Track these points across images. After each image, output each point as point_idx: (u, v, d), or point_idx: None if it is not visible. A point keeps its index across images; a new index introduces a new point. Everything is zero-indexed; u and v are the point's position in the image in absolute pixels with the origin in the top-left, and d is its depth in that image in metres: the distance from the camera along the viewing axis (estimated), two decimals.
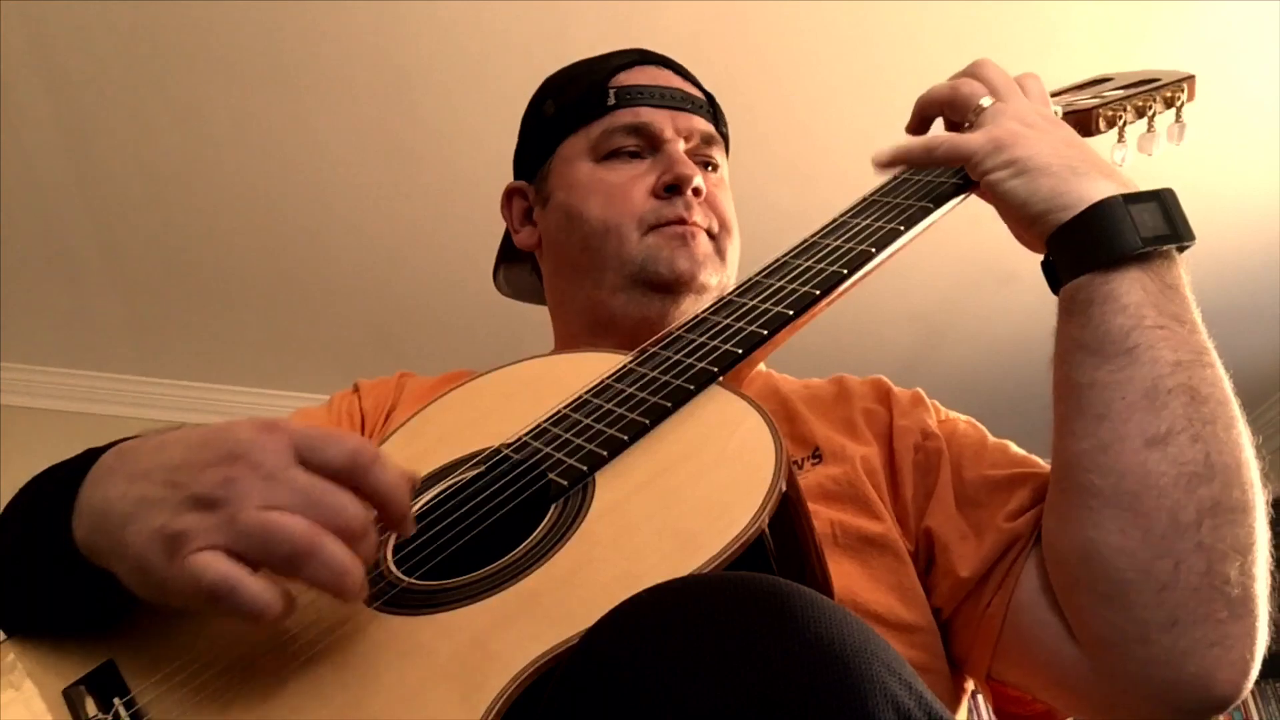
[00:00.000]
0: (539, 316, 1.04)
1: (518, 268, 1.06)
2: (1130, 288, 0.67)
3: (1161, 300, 0.67)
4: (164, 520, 0.52)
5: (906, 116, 0.86)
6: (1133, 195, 0.69)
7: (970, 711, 0.84)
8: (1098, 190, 0.69)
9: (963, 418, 0.88)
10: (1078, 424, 0.68)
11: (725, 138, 1.00)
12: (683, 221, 0.89)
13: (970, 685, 0.81)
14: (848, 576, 0.73)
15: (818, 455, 0.82)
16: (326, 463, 0.53)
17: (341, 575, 0.51)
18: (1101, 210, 0.68)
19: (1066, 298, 0.70)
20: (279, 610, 0.51)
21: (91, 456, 0.61)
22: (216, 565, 0.50)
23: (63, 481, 0.60)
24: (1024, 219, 0.72)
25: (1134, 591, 0.64)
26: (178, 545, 0.51)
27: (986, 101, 0.78)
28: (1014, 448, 0.83)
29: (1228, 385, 0.68)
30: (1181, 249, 0.70)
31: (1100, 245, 0.68)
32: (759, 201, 2.29)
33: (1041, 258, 0.74)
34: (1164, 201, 0.69)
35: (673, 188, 0.90)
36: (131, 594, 0.55)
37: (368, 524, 0.53)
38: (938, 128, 0.85)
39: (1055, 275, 0.72)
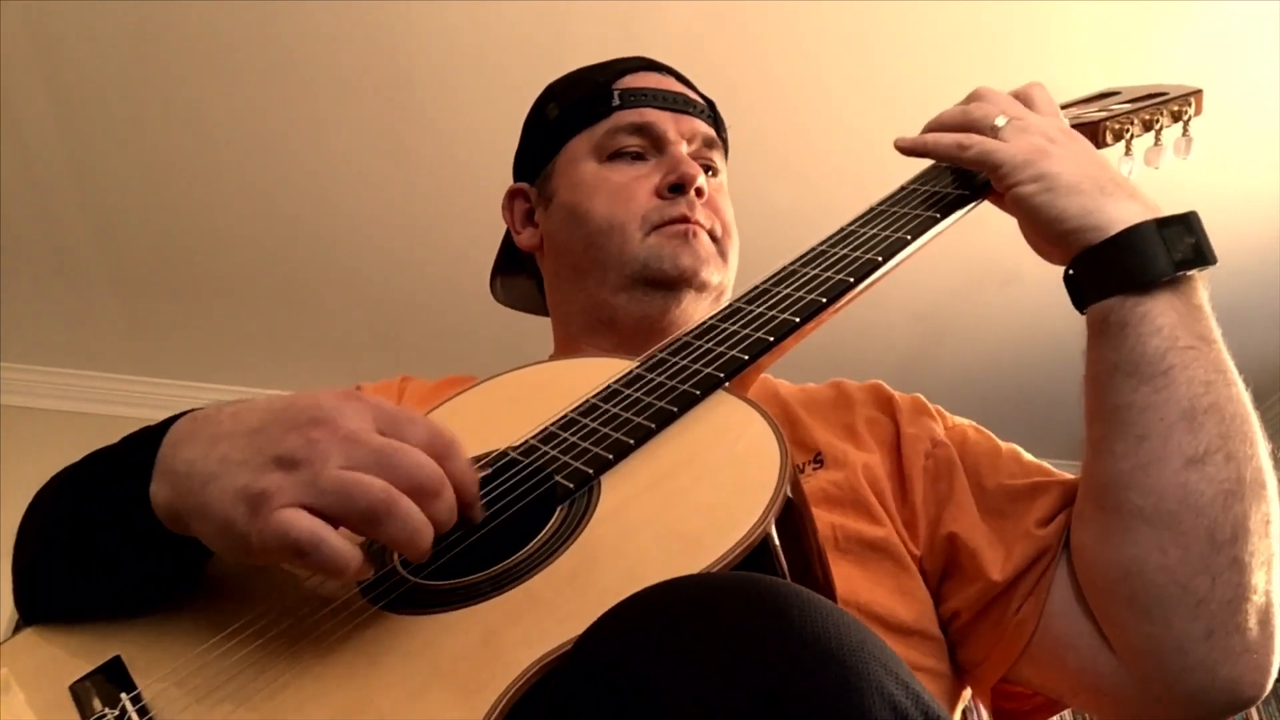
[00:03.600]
0: (539, 320, 1.04)
1: (514, 277, 1.07)
2: (1163, 310, 0.69)
3: (1190, 321, 0.69)
4: (248, 480, 0.53)
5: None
6: (1164, 220, 0.70)
7: (971, 712, 0.84)
8: (1127, 212, 0.71)
9: (968, 423, 0.88)
10: (1117, 445, 0.69)
11: (725, 142, 1.01)
12: (685, 220, 0.90)
13: (968, 692, 0.81)
14: (848, 579, 0.74)
15: (819, 460, 0.83)
16: (404, 440, 0.55)
17: (415, 533, 0.52)
18: (1136, 235, 0.70)
19: (1098, 319, 0.71)
20: (358, 566, 0.53)
21: (151, 432, 0.62)
22: (301, 521, 0.51)
23: (132, 451, 0.61)
24: (1051, 235, 0.73)
25: (1173, 606, 0.66)
26: (261, 502, 0.52)
27: (1001, 121, 0.79)
28: (1024, 454, 0.84)
29: (1248, 401, 0.70)
30: (1203, 270, 0.71)
31: (1135, 269, 0.69)
32: (759, 201, 2.30)
33: (1048, 264, 0.75)
34: (1191, 225, 0.70)
35: (677, 187, 0.91)
36: (201, 562, 0.58)
37: (443, 482, 0.54)
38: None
39: (1078, 289, 0.73)
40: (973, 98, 0.83)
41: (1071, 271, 0.73)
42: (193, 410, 0.62)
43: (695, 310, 0.90)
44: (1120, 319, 0.69)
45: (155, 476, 0.58)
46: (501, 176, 1.06)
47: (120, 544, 0.60)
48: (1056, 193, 0.72)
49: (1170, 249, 0.69)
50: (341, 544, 0.52)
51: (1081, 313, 0.73)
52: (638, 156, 0.94)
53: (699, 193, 0.91)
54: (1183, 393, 0.67)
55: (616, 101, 0.95)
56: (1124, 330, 0.69)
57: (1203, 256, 0.70)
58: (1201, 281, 0.71)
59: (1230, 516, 0.66)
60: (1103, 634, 0.71)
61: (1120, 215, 0.70)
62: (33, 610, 0.64)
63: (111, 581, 0.61)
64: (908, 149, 0.82)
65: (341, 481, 0.52)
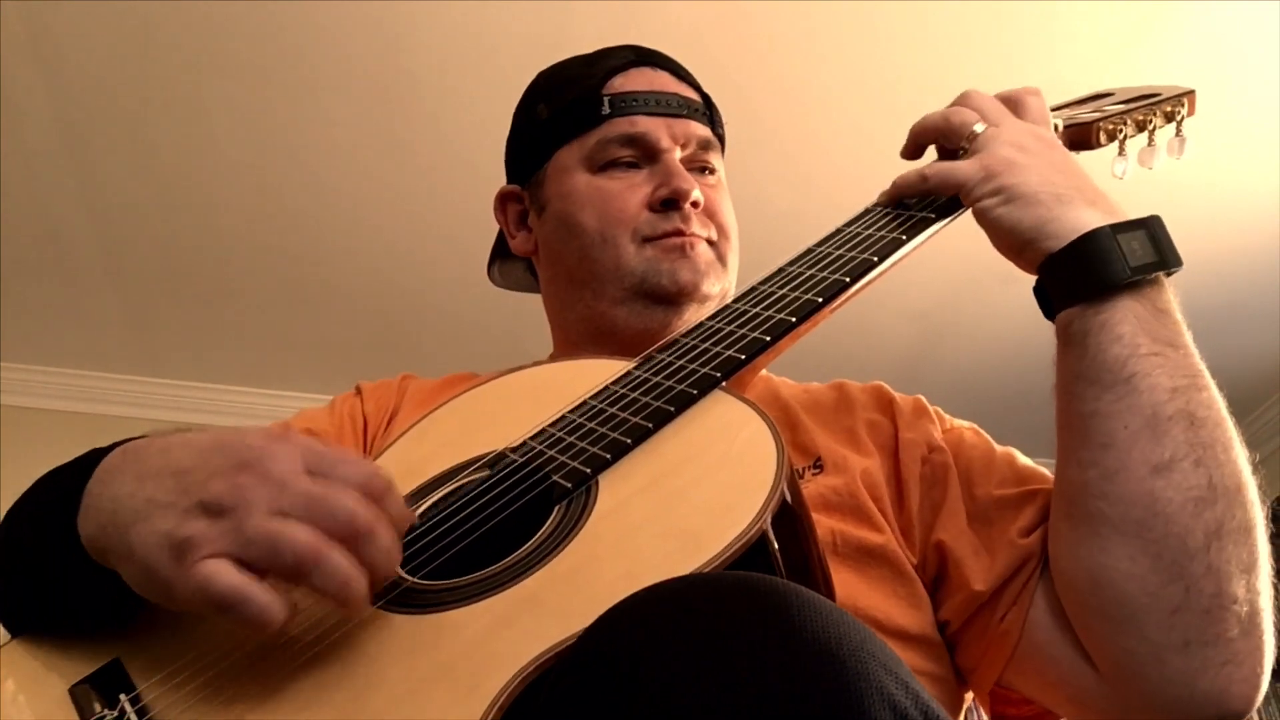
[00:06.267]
0: (540, 316, 1.04)
1: (512, 262, 1.06)
2: (1123, 317, 0.68)
3: (1154, 327, 0.69)
4: (172, 525, 0.52)
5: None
6: (1120, 225, 0.70)
7: (972, 712, 0.84)
8: (1084, 219, 0.70)
9: (966, 425, 0.88)
10: (1083, 453, 0.69)
11: (722, 139, 0.99)
12: (680, 233, 0.89)
13: (970, 696, 0.81)
14: (846, 585, 0.74)
15: (819, 465, 0.83)
16: (340, 480, 0.54)
17: (344, 585, 0.51)
18: (1090, 241, 0.69)
19: (1062, 328, 0.71)
20: (283, 619, 0.51)
21: (96, 457, 0.61)
22: (226, 575, 0.50)
23: (68, 481, 0.60)
24: (1013, 246, 0.74)
25: (1146, 615, 0.65)
26: (185, 550, 0.51)
27: (980, 128, 0.79)
28: (1020, 457, 0.83)
29: (1223, 406, 0.69)
30: (1169, 274, 0.71)
31: (1090, 276, 0.69)
32: (758, 202, 2.30)
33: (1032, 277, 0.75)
34: (1151, 229, 0.70)
35: (669, 202, 0.89)
36: (134, 594, 0.55)
37: (374, 524, 0.53)
38: (931, 154, 0.86)
39: (1047, 300, 0.73)
40: (959, 102, 0.84)
41: (1040, 284, 0.73)
42: (128, 440, 0.62)
43: (697, 320, 0.89)
44: (1082, 327, 0.69)
45: (82, 510, 0.58)
46: (501, 175, 1.06)
47: (57, 575, 0.59)
48: (1014, 204, 0.73)
49: (1127, 253, 0.69)
50: (266, 599, 0.50)
51: (1051, 322, 0.73)
52: (631, 165, 0.92)
53: (694, 205, 0.90)
54: (1145, 400, 0.67)
55: (607, 109, 0.92)
56: (1085, 339, 0.69)
57: (1164, 260, 0.69)
58: (1169, 285, 0.71)
59: (1202, 523, 0.65)
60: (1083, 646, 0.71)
61: (1077, 223, 0.70)
62: (13, 626, 0.64)
63: (61, 608, 0.61)
64: (887, 203, 0.83)
65: (268, 532, 0.51)
